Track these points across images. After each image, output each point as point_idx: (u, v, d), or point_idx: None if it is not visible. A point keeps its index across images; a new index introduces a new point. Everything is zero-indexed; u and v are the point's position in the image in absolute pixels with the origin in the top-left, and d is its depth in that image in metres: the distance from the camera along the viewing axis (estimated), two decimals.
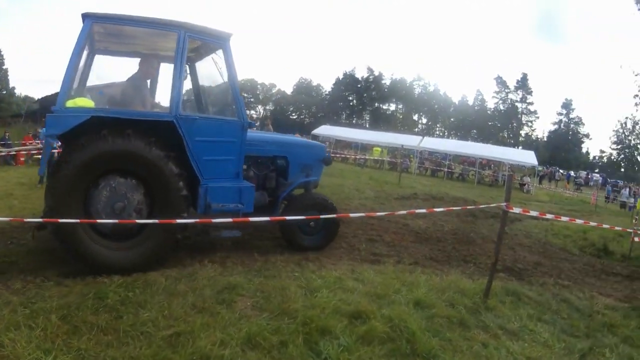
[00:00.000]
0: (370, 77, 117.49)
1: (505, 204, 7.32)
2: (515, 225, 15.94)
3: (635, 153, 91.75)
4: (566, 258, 12.13)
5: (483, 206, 13.35)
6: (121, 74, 7.55)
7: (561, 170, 69.64)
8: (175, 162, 6.42)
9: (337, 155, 41.20)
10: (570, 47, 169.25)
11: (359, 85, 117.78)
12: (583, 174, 75.09)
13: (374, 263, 8.61)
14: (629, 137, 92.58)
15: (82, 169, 5.93)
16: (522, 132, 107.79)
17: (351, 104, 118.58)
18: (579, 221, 9.99)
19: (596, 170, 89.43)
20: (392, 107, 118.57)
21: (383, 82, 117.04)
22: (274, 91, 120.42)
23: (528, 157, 42.04)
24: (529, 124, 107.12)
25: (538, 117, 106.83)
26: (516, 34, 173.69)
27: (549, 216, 9.67)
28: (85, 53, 7.00)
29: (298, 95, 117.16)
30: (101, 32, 7.09)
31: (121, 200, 6.30)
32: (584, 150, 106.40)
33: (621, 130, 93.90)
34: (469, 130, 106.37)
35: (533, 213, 8.75)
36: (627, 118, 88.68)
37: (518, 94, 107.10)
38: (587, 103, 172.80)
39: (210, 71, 7.82)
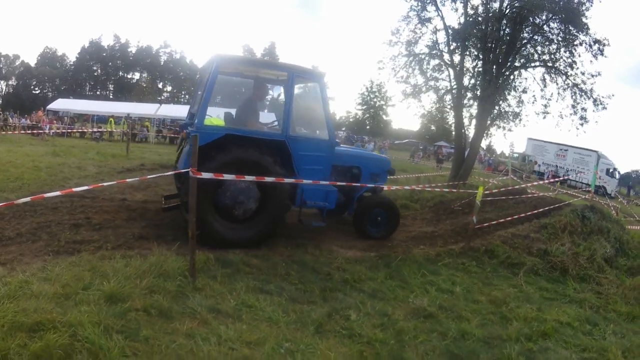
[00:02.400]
0: (117, 45, 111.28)
1: (191, 169, 6.38)
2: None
3: (380, 112, 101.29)
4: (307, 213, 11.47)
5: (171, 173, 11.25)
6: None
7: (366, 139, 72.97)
8: (281, 168, 8.44)
9: (74, 131, 37.11)
10: (315, 16, 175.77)
11: (104, 54, 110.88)
12: None
13: (72, 254, 7.22)
14: (374, 99, 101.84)
15: (216, 170, 7.29)
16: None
17: (95, 74, 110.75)
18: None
19: (342, 129, 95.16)
20: (137, 75, 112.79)
21: (129, 50, 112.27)
22: (17, 63, 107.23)
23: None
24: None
25: None
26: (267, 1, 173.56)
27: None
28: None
29: (42, 67, 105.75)
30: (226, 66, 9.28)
31: (243, 194, 8.38)
32: (330, 111, 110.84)
33: (366, 93, 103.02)
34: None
35: (228, 176, 7.39)
36: (372, 82, 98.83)
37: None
38: (334, 68, 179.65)
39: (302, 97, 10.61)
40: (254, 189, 8.44)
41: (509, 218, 11.56)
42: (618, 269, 10.28)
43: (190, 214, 6.43)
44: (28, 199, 6.29)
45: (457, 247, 9.81)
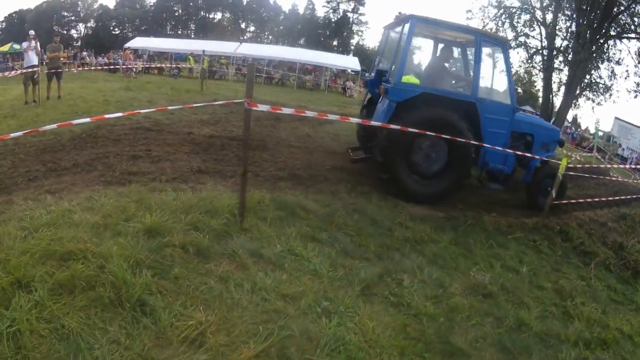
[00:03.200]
0: None
1: (246, 100, 5.65)
2: (323, 127, 14.64)
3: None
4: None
5: (221, 102, 11.09)
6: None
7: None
8: (470, 130, 8.64)
9: (153, 68, 37.41)
10: None
11: None
12: None
13: (124, 184, 6.97)
14: None
15: (410, 126, 7.67)
16: (353, 42, 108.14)
17: (177, 14, 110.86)
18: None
19: None
20: (219, 15, 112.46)
21: None
22: (95, 6, 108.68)
23: (352, 63, 41.90)
24: (359, 33, 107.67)
25: (369, 28, 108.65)
26: None
27: (332, 117, 7.73)
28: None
29: (121, 8, 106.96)
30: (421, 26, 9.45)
31: (433, 151, 8.82)
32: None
33: None
34: (297, 39, 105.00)
35: (287, 110, 6.89)
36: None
37: (350, 4, 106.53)
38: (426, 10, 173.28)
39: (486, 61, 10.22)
40: (443, 147, 8.88)
41: (589, 200, 10.76)
42: None
43: (244, 146, 6.04)
44: (54, 125, 5.88)
45: (531, 221, 9.00)
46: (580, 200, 10.52)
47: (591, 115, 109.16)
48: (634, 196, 11.74)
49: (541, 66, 18.68)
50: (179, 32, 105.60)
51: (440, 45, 10.36)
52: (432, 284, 5.60)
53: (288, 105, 17.08)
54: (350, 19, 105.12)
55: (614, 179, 13.93)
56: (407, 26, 8.94)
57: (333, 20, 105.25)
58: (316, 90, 38.53)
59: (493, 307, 5.56)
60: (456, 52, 10.72)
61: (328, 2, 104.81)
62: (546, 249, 8.17)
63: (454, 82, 10.30)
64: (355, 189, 8.39)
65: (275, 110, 6.55)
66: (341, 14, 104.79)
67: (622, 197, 11.38)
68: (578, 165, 11.84)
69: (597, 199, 10.86)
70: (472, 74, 9.45)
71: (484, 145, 8.79)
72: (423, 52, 12.22)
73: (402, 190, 8.65)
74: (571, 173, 10.22)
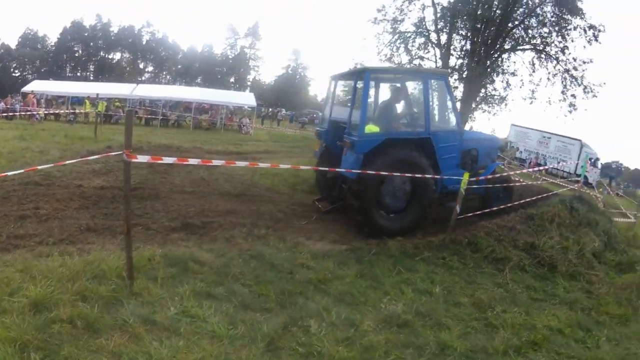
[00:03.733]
0: (98, 24, 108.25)
1: (125, 151, 5.19)
2: (218, 169, 13.97)
3: None
4: (272, 199, 10.77)
5: (96, 157, 10.38)
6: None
7: (284, 111, 71.35)
8: (430, 165, 9.52)
9: (50, 114, 35.60)
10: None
11: (85, 34, 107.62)
12: (308, 113, 78.08)
13: (9, 251, 6.48)
14: None
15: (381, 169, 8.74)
16: (250, 77, 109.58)
17: (77, 55, 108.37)
18: (283, 165, 8.88)
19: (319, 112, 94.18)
20: (118, 56, 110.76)
21: (111, 29, 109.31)
22: None
23: (247, 99, 41.42)
24: (256, 68, 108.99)
25: (264, 62, 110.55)
26: None
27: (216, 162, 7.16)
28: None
29: (23, 48, 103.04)
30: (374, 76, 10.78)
31: (399, 187, 9.53)
32: (311, 94, 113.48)
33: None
34: (194, 77, 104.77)
35: (167, 160, 6.42)
36: (356, 63, 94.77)
37: (247, 40, 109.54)
38: (315, 50, 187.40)
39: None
40: (408, 184, 9.54)
41: (494, 208, 10.74)
42: (607, 265, 9.73)
43: (125, 202, 5.52)
44: None
45: (437, 239, 8.90)
46: (486, 210, 10.55)
47: (486, 126, 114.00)
48: (539, 196, 11.99)
49: None
50: (78, 73, 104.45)
51: (392, 89, 11.24)
52: (342, 325, 5.23)
53: (182, 147, 16.47)
54: (247, 55, 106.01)
55: (518, 184, 14.15)
56: (362, 79, 9.71)
57: (230, 57, 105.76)
58: (212, 130, 37.73)
59: (411, 336, 5.26)
60: (406, 93, 11.05)
61: (227, 39, 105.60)
62: (457, 263, 8.06)
63: (407, 121, 10.78)
64: (252, 233, 7.99)
65: (155, 160, 6.08)
66: (238, 50, 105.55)
67: (528, 199, 11.53)
68: (481, 178, 11.82)
69: (502, 206, 10.87)
70: (423, 110, 10.00)
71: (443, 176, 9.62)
72: (375, 98, 11.16)
73: (375, 228, 9.14)
74: (474, 186, 10.16)
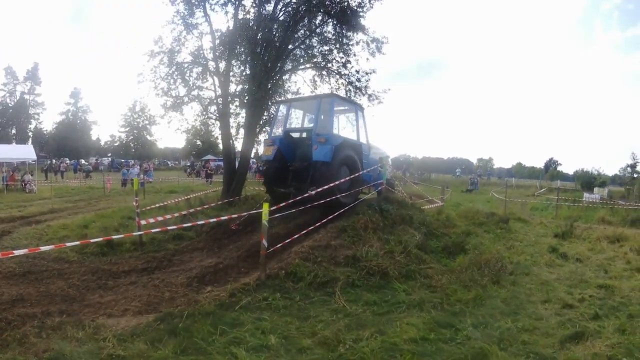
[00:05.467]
0: None
1: None
2: (2, 241, 11.67)
3: (144, 132, 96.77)
4: (61, 272, 8.81)
5: None
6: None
7: (68, 161, 65.95)
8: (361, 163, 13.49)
9: None
10: (86, 39, 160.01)
11: None
12: (92, 160, 74.60)
13: None
14: (138, 120, 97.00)
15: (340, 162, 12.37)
16: (31, 127, 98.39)
17: None
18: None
19: (108, 155, 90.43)
20: None
21: None
22: None
23: (26, 152, 36.30)
24: (36, 116, 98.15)
25: (45, 109, 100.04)
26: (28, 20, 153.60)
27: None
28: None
29: None
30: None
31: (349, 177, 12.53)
32: (94, 138, 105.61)
33: (129, 114, 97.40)
34: None
35: None
36: (136, 101, 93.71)
37: (27, 85, 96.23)
38: (95, 91, 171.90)
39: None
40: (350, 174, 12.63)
41: (304, 231, 10.06)
42: (435, 254, 9.96)
43: None
44: None
45: (252, 279, 7.90)
46: (295, 236, 9.75)
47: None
48: (344, 208, 11.59)
49: (216, 115, 18.04)
50: None
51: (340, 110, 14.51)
52: None
53: None
54: (27, 102, 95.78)
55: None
56: (327, 101, 13.06)
57: (10, 105, 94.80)
58: None
59: None
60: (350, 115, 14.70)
61: (5, 85, 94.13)
62: (282, 301, 7.18)
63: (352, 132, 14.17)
64: (45, 325, 6.09)
65: None
66: (18, 97, 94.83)
67: (335, 214, 11.10)
68: (282, 205, 10.94)
69: (312, 227, 10.30)
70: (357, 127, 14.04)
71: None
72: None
73: (338, 203, 11.59)
74: (277, 215, 9.30)
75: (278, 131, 13.91)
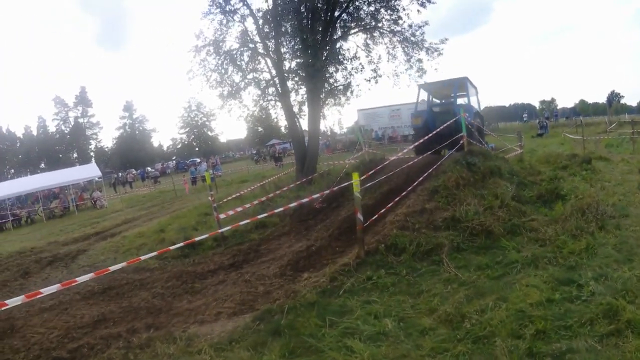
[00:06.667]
0: None
1: None
2: (78, 260, 11.43)
3: (205, 129, 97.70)
4: (143, 283, 8.38)
5: None
6: None
7: (134, 171, 66.78)
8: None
9: None
10: (127, 53, 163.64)
11: None
12: (158, 166, 74.84)
13: None
14: (195, 118, 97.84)
15: None
16: (91, 147, 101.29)
17: None
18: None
19: (173, 158, 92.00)
20: None
21: None
22: None
23: (90, 171, 36.64)
24: (94, 136, 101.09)
25: (102, 128, 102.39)
26: (71, 47, 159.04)
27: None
28: None
29: None
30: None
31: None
32: (156, 145, 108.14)
33: (186, 114, 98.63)
34: (37, 163, 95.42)
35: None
36: (190, 100, 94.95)
37: (78, 110, 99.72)
38: (148, 100, 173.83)
39: None
40: None
41: (397, 198, 9.26)
42: (531, 204, 8.98)
43: None
44: None
45: (351, 257, 7.14)
46: (390, 205, 8.98)
47: (335, 119, 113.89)
48: (432, 168, 10.64)
49: (275, 97, 17.36)
50: None
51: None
52: None
53: (36, 248, 13.39)
54: (82, 124, 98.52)
55: (386, 161, 12.84)
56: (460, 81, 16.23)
57: (66, 131, 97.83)
58: (66, 214, 33.32)
59: None
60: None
61: (57, 114, 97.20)
62: (389, 278, 6.45)
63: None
64: (131, 345, 5.53)
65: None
66: (72, 123, 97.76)
67: (424, 176, 10.25)
68: (364, 177, 10.13)
69: (404, 193, 9.50)
70: None
71: None
72: None
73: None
74: (368, 184, 8.54)
75: (422, 107, 16.98)
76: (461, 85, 16.20)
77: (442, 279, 6.13)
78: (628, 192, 9.93)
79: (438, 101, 17.67)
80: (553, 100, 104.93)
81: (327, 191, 9.80)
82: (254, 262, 8.63)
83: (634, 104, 74.66)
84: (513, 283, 5.69)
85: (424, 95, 17.03)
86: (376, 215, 8.43)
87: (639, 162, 14.01)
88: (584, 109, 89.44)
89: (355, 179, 7.32)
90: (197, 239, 8.37)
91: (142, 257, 6.68)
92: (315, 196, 10.04)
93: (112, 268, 5.75)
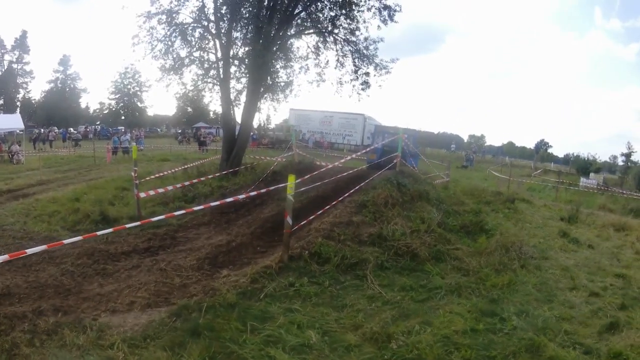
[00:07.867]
0: None
1: None
2: None
3: (135, 99, 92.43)
4: (53, 256, 7.49)
5: None
6: None
7: (57, 129, 63.32)
8: None
9: None
10: (78, 7, 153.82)
11: None
12: (82, 128, 71.11)
13: None
14: (128, 86, 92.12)
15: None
16: (19, 96, 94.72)
17: None
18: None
19: (97, 123, 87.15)
20: None
21: None
22: None
23: (13, 122, 34.33)
24: (24, 85, 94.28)
25: (34, 78, 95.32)
26: None
27: None
28: None
29: None
30: None
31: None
32: (83, 106, 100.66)
33: (120, 80, 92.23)
34: None
35: None
36: (128, 67, 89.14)
37: (15, 54, 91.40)
38: (85, 58, 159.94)
39: None
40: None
41: (327, 207, 9.16)
42: (454, 232, 9.12)
43: None
44: None
45: (273, 261, 6.85)
46: (319, 212, 8.82)
47: (272, 115, 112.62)
48: (365, 182, 10.65)
49: (216, 80, 16.88)
50: None
51: None
52: None
53: None
54: (15, 71, 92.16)
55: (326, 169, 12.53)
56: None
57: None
58: None
59: None
60: None
61: None
62: (311, 287, 6.28)
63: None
64: (37, 329, 4.89)
65: None
66: (5, 67, 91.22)
67: (356, 187, 10.22)
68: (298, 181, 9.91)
69: (334, 202, 9.40)
70: None
71: None
72: None
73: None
74: (302, 189, 8.25)
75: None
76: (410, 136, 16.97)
77: (366, 295, 6.04)
78: (548, 236, 10.43)
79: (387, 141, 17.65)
80: (482, 136, 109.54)
81: (264, 190, 9.22)
82: (171, 249, 8.16)
83: (560, 154, 78.85)
84: (437, 308, 5.73)
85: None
86: (304, 222, 8.17)
87: (561, 210, 14.66)
88: (510, 150, 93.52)
89: (291, 182, 6.93)
90: (153, 218, 7.72)
91: (65, 242, 6.05)
92: (241, 197, 9.66)
93: (29, 251, 5.14)
